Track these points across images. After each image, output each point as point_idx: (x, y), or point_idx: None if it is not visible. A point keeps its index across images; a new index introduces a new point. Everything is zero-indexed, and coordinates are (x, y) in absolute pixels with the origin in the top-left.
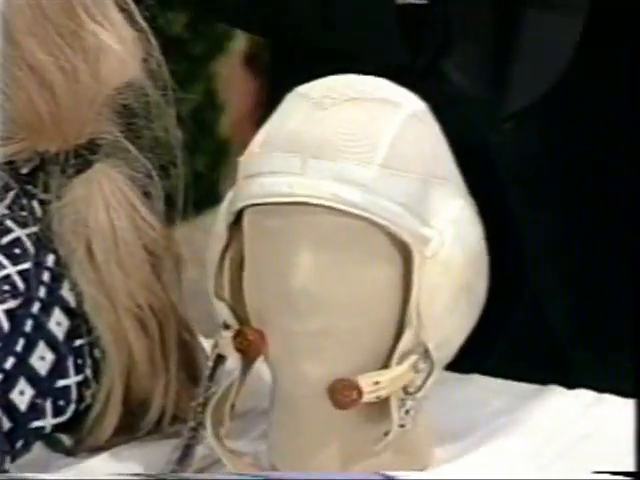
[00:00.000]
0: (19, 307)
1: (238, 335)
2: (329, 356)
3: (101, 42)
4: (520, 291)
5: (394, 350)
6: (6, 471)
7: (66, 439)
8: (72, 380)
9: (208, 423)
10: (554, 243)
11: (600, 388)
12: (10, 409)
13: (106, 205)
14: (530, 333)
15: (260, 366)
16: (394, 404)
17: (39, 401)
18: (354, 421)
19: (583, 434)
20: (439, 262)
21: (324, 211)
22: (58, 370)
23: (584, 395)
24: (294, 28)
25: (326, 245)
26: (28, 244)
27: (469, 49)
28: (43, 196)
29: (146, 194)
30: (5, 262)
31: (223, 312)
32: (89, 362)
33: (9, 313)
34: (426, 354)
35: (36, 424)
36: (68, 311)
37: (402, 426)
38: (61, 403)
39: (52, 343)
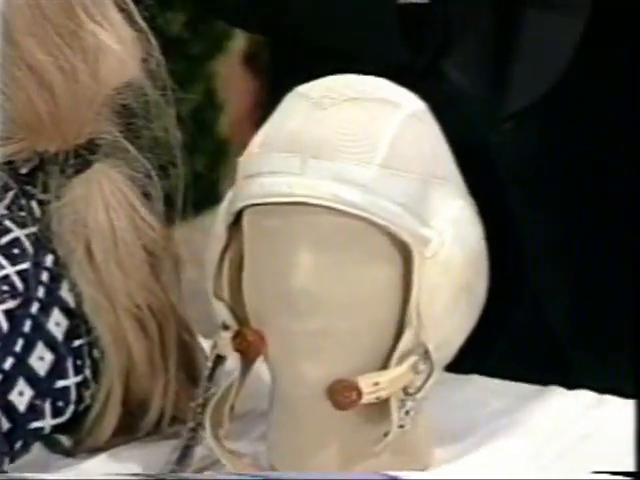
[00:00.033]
0: (18, 307)
1: (237, 336)
2: (328, 357)
3: (100, 42)
4: (520, 291)
5: (394, 351)
6: (5, 472)
7: (65, 440)
8: (71, 381)
9: (207, 424)
10: (554, 243)
11: (600, 388)
12: (9, 410)
13: (105, 205)
14: (530, 333)
15: (259, 367)
16: (394, 405)
17: (38, 402)
18: (353, 422)
19: (583, 435)
20: (439, 262)
21: (323, 211)
22: (57, 371)
23: (584, 396)
24: (294, 27)
25: (325, 245)
26: (27, 244)
27: (469, 49)
28: (42, 196)
29: (145, 194)
30: (4, 262)
31: (222, 312)
32: (88, 363)
33: (8, 313)
34: (426, 355)
35: (35, 425)
36: (67, 311)
37: (402, 427)
38: (60, 404)
39: (51, 343)
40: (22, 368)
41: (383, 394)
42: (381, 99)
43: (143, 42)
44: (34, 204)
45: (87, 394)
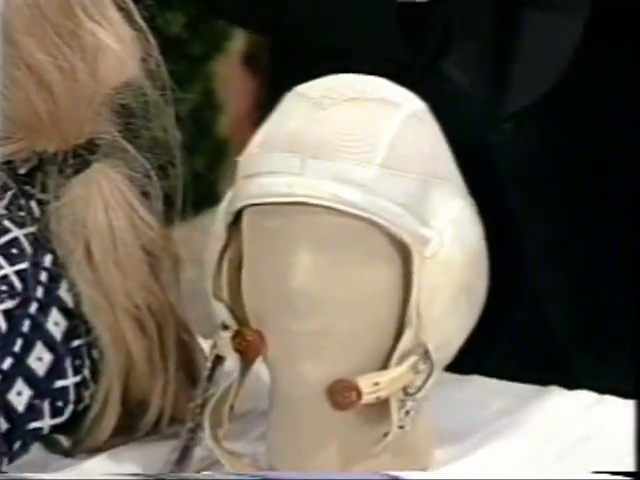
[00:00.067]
0: (16, 307)
1: (237, 336)
2: (328, 357)
3: (99, 41)
4: (520, 291)
5: (394, 351)
6: (4, 472)
7: (64, 440)
8: (70, 381)
9: (206, 424)
10: (554, 243)
11: (600, 388)
12: (8, 410)
13: (105, 205)
14: (530, 333)
15: (259, 367)
16: (394, 405)
17: (37, 402)
18: (353, 422)
19: (583, 435)
20: (439, 262)
21: (323, 211)
22: (56, 371)
23: (584, 396)
24: (294, 26)
25: (325, 245)
26: (26, 244)
27: (469, 49)
28: (41, 196)
29: (145, 194)
30: (2, 262)
31: (222, 312)
32: (87, 363)
33: (6, 313)
34: (426, 355)
35: (34, 425)
36: (66, 311)
37: (401, 427)
38: (59, 404)
39: (50, 343)
40: (21, 368)
41: (383, 394)
42: (381, 99)
43: (142, 42)
44: (33, 204)
45: (86, 394)
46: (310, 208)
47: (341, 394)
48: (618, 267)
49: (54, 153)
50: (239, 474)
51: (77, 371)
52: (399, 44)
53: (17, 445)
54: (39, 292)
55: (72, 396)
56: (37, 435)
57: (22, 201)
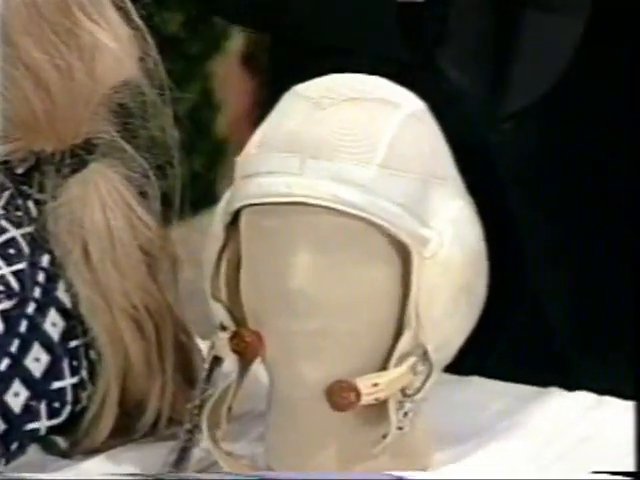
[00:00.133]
0: (14, 308)
1: (235, 336)
2: (327, 357)
3: (97, 40)
4: (520, 291)
5: (393, 352)
6: (0, 473)
7: (61, 441)
8: (67, 382)
9: (204, 425)
10: (554, 243)
11: (600, 389)
12: (4, 411)
13: (102, 205)
14: (530, 333)
15: (257, 368)
16: (392, 406)
17: (34, 403)
18: (352, 423)
19: (583, 436)
20: (438, 263)
21: (322, 211)
22: (53, 372)
23: (584, 397)
24: (294, 25)
25: (324, 245)
26: (23, 244)
27: (468, 48)
28: (38, 196)
29: (142, 194)
30: (0, 262)
31: (220, 313)
32: (85, 364)
33: (4, 314)
34: (425, 356)
35: (31, 426)
36: (63, 312)
37: (400, 428)
38: (56, 405)
39: (47, 344)
40: (18, 369)
41: (382, 395)
42: (380, 99)
43: (140, 41)
44: (30, 204)
45: (83, 395)
46: (309, 208)
47: (340, 395)
48: (618, 267)
49: (51, 153)
50: (237, 474)
51: (74, 372)
52: (399, 44)
53: (14, 446)
54: (36, 292)
55: (69, 397)
56: (34, 436)
57: (19, 201)
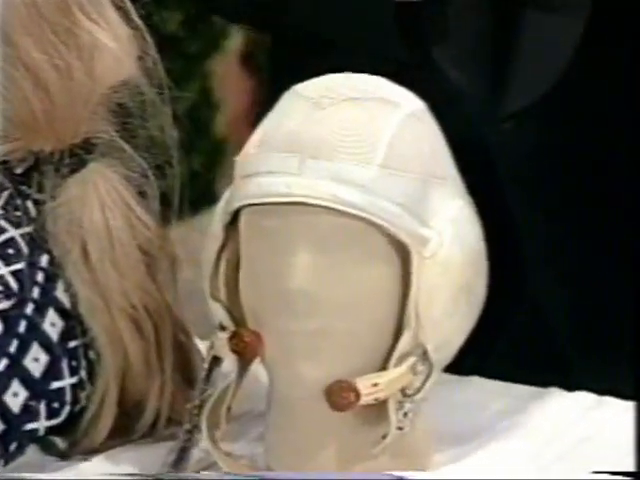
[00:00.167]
0: (12, 308)
1: (234, 336)
2: (327, 357)
3: (96, 40)
4: (520, 291)
5: (392, 351)
6: None
7: (60, 442)
8: (66, 382)
9: (204, 425)
10: (553, 243)
11: (600, 389)
12: (3, 411)
13: (101, 205)
14: (530, 333)
15: (257, 368)
16: (392, 406)
17: (33, 403)
18: (351, 423)
19: (583, 437)
20: (438, 262)
21: (322, 211)
22: (52, 372)
23: (584, 398)
24: (293, 25)
25: (324, 246)
26: (22, 244)
27: (469, 48)
28: (37, 196)
29: (141, 194)
30: None
31: (219, 313)
32: (84, 364)
33: (2, 314)
34: (425, 356)
35: (30, 426)
36: (62, 312)
37: (400, 429)
38: (55, 405)
39: (46, 344)
40: (17, 369)
41: (381, 395)
42: (380, 99)
43: (139, 40)
44: (29, 204)
45: (82, 395)
46: (309, 208)
47: (339, 395)
48: (618, 267)
49: (50, 152)
50: (236, 474)
51: (73, 372)
52: (397, 43)
53: (13, 447)
54: (35, 292)
55: (68, 397)
56: (33, 437)
57: (18, 201)
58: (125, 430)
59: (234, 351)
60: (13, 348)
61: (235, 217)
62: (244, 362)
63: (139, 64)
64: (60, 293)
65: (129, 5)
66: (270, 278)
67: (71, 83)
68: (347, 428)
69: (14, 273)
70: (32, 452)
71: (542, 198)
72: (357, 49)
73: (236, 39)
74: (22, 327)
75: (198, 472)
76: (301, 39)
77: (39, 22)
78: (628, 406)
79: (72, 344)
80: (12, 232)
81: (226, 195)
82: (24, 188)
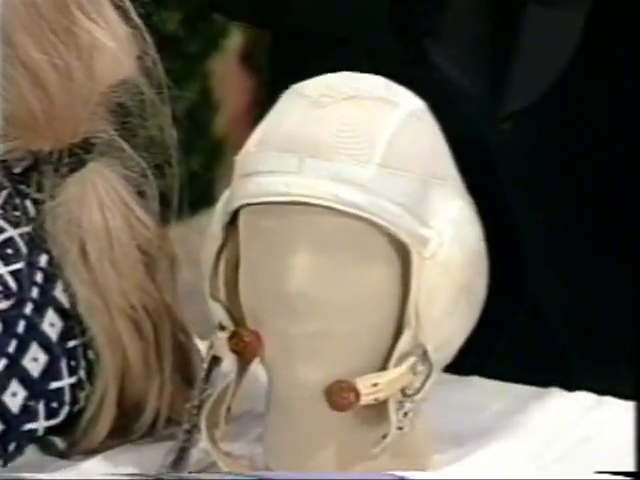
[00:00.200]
0: (11, 308)
1: (234, 336)
2: (327, 358)
3: (95, 39)
4: (520, 291)
5: (392, 352)
6: None
7: (59, 442)
8: (65, 382)
9: (203, 426)
10: (553, 243)
11: (600, 389)
12: (2, 411)
13: (100, 205)
14: (530, 333)
15: (256, 368)
16: (392, 406)
17: (32, 403)
18: (351, 424)
19: (583, 437)
20: (438, 263)
21: (322, 211)
22: (51, 372)
23: (584, 398)
24: (294, 22)
25: (324, 246)
26: (21, 244)
27: (469, 48)
28: (36, 195)
29: (141, 193)
30: None
31: (218, 313)
32: (83, 364)
33: (1, 314)
34: (425, 356)
35: (29, 426)
36: (61, 312)
37: (400, 429)
38: (54, 405)
39: (45, 344)
40: (15, 369)
41: (381, 395)
42: (380, 98)
43: (138, 40)
44: (28, 203)
45: (81, 395)
46: (308, 208)
47: (339, 395)
48: (618, 267)
49: (49, 152)
50: (235, 474)
51: (72, 372)
52: (391, 39)
53: (12, 447)
54: (34, 292)
55: (67, 397)
56: (32, 437)
57: (17, 200)
58: (124, 430)
59: (234, 351)
60: (12, 348)
61: (235, 217)
62: (243, 362)
63: (138, 64)
64: (59, 293)
65: (128, 4)
66: (269, 279)
67: (70, 83)
68: (347, 428)
69: (13, 273)
70: (31, 452)
71: (542, 198)
72: (356, 45)
73: (236, 38)
74: (21, 327)
75: (198, 472)
76: (301, 38)
77: (38, 22)
78: (628, 406)
79: (71, 344)
80: (11, 232)
81: (225, 195)
82: (23, 187)
